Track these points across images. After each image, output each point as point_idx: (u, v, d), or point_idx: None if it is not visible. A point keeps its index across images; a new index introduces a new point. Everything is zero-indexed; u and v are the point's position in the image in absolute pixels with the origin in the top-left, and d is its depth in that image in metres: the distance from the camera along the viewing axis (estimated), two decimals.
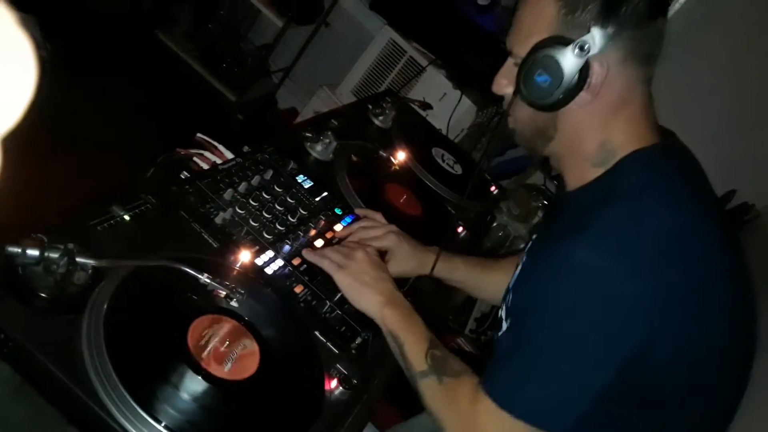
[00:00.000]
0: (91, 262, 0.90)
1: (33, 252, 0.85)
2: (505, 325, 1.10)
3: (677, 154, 1.08)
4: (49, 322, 0.85)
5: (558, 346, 0.93)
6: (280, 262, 1.21)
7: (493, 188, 2.09)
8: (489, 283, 1.48)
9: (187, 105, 3.13)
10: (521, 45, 1.01)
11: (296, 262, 1.24)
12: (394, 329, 1.13)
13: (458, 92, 2.85)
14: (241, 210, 1.25)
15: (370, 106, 1.96)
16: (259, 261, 1.18)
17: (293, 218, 1.33)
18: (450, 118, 2.81)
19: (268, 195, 1.33)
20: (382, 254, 1.33)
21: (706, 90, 2.77)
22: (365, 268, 1.20)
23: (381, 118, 1.93)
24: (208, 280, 0.94)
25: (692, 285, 0.94)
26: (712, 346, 0.99)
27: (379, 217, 1.43)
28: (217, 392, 0.90)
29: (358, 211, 1.46)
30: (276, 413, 0.97)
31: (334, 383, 1.05)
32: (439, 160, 1.99)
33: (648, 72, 1.01)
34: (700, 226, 0.98)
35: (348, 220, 1.44)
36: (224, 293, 0.97)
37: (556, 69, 0.96)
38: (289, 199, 1.37)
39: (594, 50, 0.94)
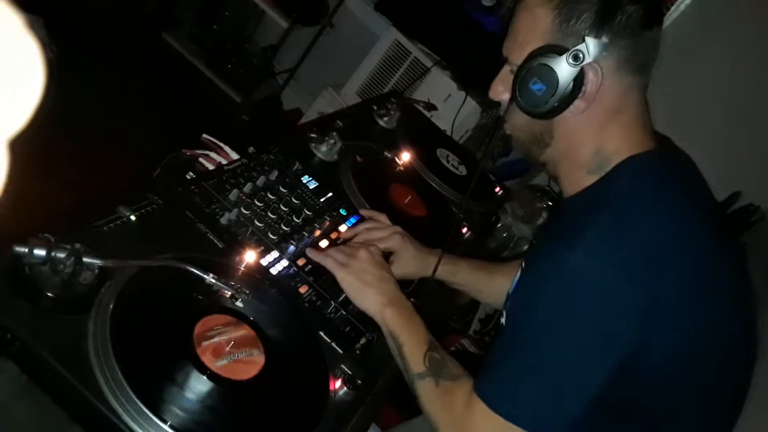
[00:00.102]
0: (97, 262, 0.90)
1: (40, 252, 0.85)
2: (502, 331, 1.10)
3: (673, 159, 1.09)
4: (55, 322, 0.85)
5: (551, 350, 0.93)
6: (285, 263, 1.22)
7: (497, 189, 2.09)
8: (492, 286, 1.48)
9: (192, 106, 3.14)
10: (517, 53, 1.02)
11: (301, 262, 1.24)
12: (394, 330, 1.13)
13: (463, 93, 2.85)
14: (247, 210, 1.25)
15: (375, 107, 1.96)
16: (264, 261, 1.19)
17: (298, 219, 1.34)
18: (455, 119, 2.81)
19: (273, 195, 1.34)
20: (387, 256, 1.33)
21: (710, 92, 2.76)
22: (368, 267, 1.21)
23: (386, 118, 1.94)
24: (214, 281, 0.94)
25: (687, 290, 0.94)
26: (708, 350, 1.00)
27: (383, 218, 1.44)
28: (222, 392, 0.90)
29: (362, 212, 1.47)
30: (281, 413, 0.97)
31: (338, 383, 1.05)
32: (444, 161, 1.99)
33: (643, 80, 1.02)
34: (695, 230, 0.99)
35: (353, 220, 1.45)
36: (229, 293, 0.97)
37: (551, 77, 0.97)
38: (294, 200, 1.37)
39: (588, 59, 0.95)
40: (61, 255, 0.86)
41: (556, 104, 0.99)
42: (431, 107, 2.32)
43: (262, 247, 1.21)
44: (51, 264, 0.87)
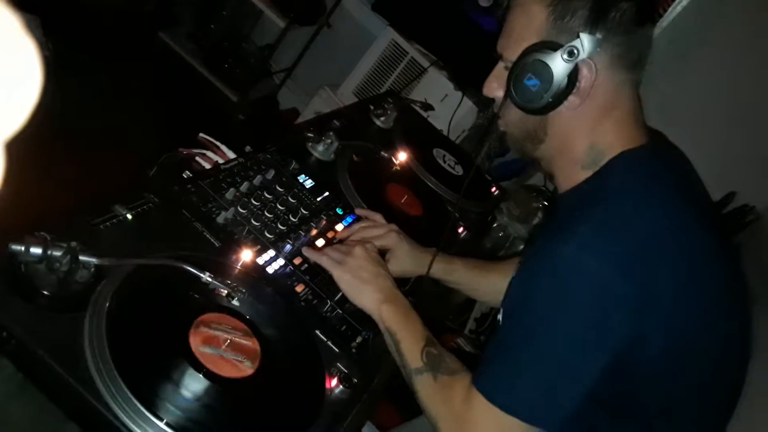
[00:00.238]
0: (93, 260, 0.90)
1: (36, 250, 0.85)
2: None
3: (666, 154, 1.10)
4: (51, 320, 0.86)
5: (546, 343, 0.94)
6: (281, 262, 1.22)
7: (493, 189, 2.10)
8: (487, 284, 1.49)
9: (188, 105, 3.14)
10: (511, 49, 1.03)
11: (297, 261, 1.25)
12: (391, 326, 1.14)
13: (459, 93, 2.85)
14: (243, 209, 1.25)
15: (372, 107, 1.96)
16: (261, 260, 1.19)
17: (294, 218, 1.34)
18: (451, 119, 2.82)
19: (269, 194, 1.34)
20: (382, 254, 1.33)
21: (706, 92, 2.77)
22: (364, 264, 1.21)
23: (382, 118, 1.94)
24: (210, 279, 0.95)
25: (681, 285, 0.95)
26: (703, 348, 1.01)
27: (378, 217, 1.44)
28: (218, 390, 0.91)
29: (358, 211, 1.47)
30: (277, 411, 0.98)
31: (334, 382, 1.06)
32: (440, 161, 1.99)
33: (636, 76, 1.03)
34: (690, 226, 1.00)
35: (349, 220, 1.45)
36: (226, 292, 0.97)
37: (546, 73, 0.98)
38: (290, 199, 1.37)
39: (583, 55, 0.96)
40: (57, 253, 0.86)
41: (550, 100, 0.99)
42: (428, 107, 2.32)
43: (259, 246, 1.21)
44: (47, 262, 0.87)
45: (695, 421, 1.07)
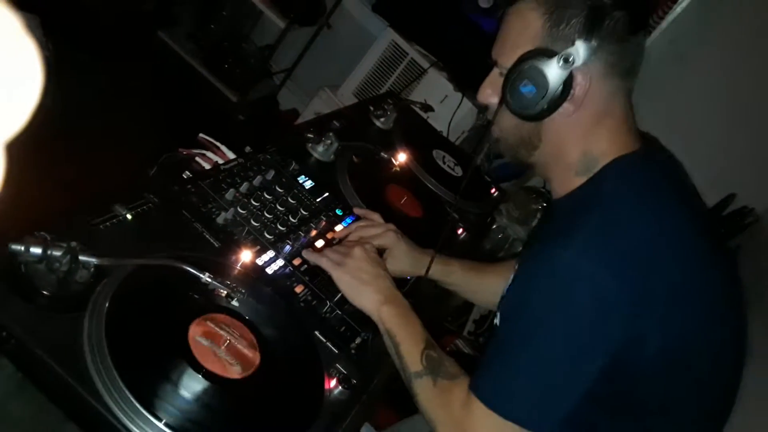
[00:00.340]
0: (93, 260, 0.90)
1: (36, 250, 0.85)
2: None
3: (658, 159, 1.11)
4: (51, 320, 0.86)
5: (545, 346, 0.94)
6: (280, 262, 1.22)
7: (493, 190, 2.10)
8: (483, 286, 1.49)
9: (188, 105, 3.14)
10: (507, 56, 1.04)
11: (297, 262, 1.25)
12: (391, 328, 1.14)
13: (459, 94, 2.85)
14: (243, 210, 1.25)
15: (372, 108, 1.97)
16: (260, 261, 1.19)
17: (294, 218, 1.34)
18: (451, 120, 2.82)
19: (269, 195, 1.34)
20: (380, 253, 1.33)
21: (706, 94, 2.78)
22: (363, 265, 1.21)
23: (382, 119, 1.94)
24: (210, 280, 0.95)
25: (674, 287, 0.96)
26: (698, 350, 1.01)
27: (376, 217, 1.44)
28: (217, 390, 0.91)
29: (356, 210, 1.47)
30: (276, 412, 0.98)
31: (333, 383, 1.06)
32: (440, 162, 2.00)
33: (628, 84, 1.04)
34: (682, 230, 1.01)
35: (349, 220, 1.45)
36: (225, 292, 0.97)
37: (542, 80, 0.98)
38: (290, 200, 1.37)
39: (578, 62, 0.97)
40: (57, 253, 0.87)
41: (545, 106, 1.00)
42: (428, 108, 2.32)
43: (258, 247, 1.21)
44: (47, 262, 0.87)
45: (694, 422, 1.08)
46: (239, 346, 0.99)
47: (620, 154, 1.03)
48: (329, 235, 1.37)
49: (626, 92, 1.05)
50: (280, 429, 0.97)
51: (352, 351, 1.14)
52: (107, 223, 1.02)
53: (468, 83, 2.84)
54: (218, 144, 1.38)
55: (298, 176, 1.47)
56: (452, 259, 1.46)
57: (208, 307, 1.00)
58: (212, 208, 1.21)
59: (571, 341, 0.93)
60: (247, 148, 1.42)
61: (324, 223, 1.39)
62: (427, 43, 2.99)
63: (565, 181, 1.08)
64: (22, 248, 0.85)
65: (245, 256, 1.14)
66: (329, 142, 1.59)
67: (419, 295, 1.34)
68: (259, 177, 1.35)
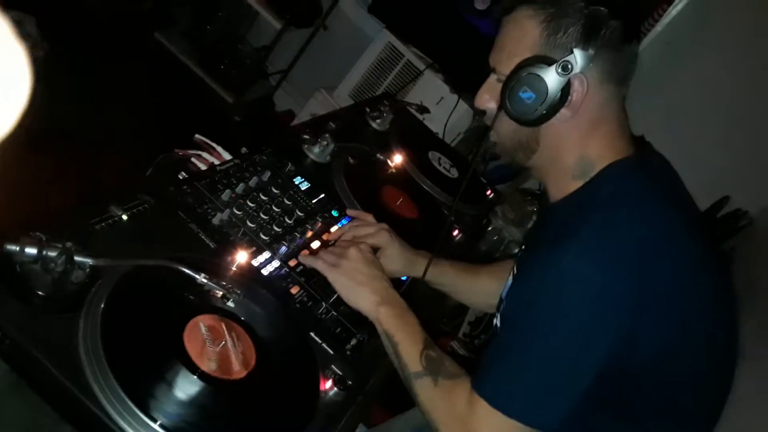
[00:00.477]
0: (88, 261, 0.90)
1: (31, 250, 0.85)
2: (497, 332, 1.13)
3: (653, 163, 1.13)
4: (46, 320, 0.85)
5: (548, 345, 0.96)
6: (276, 263, 1.22)
7: (488, 192, 2.10)
8: (476, 287, 1.51)
9: (184, 106, 3.13)
10: (505, 63, 1.06)
11: (293, 263, 1.25)
12: (389, 329, 1.14)
13: (455, 96, 2.86)
14: (239, 211, 1.25)
15: (368, 109, 1.97)
16: (256, 262, 1.19)
17: (290, 220, 1.34)
18: (447, 122, 2.82)
19: (265, 196, 1.34)
20: (374, 252, 1.33)
21: (700, 97, 2.79)
22: (359, 266, 1.21)
23: (378, 121, 1.94)
24: (205, 280, 0.95)
25: (669, 289, 0.98)
26: (691, 350, 1.03)
27: (369, 217, 1.45)
28: (212, 392, 0.91)
29: (349, 212, 1.48)
30: (271, 413, 0.98)
31: (329, 384, 1.06)
32: (436, 164, 2.00)
33: (623, 91, 1.07)
34: (677, 232, 1.03)
35: (344, 222, 1.45)
36: (221, 293, 0.97)
37: (541, 86, 1.01)
38: (286, 201, 1.37)
39: (576, 70, 1.00)
40: (53, 254, 0.86)
41: (544, 112, 1.03)
42: (424, 110, 2.32)
43: (254, 248, 1.21)
44: (42, 262, 0.87)
45: (689, 423, 1.09)
46: (234, 347, 0.99)
47: (616, 159, 1.06)
48: (325, 237, 1.37)
49: (621, 99, 1.08)
50: (276, 430, 0.97)
51: (348, 352, 1.14)
52: (103, 224, 1.02)
53: (464, 85, 2.85)
54: (214, 145, 1.38)
55: (294, 177, 1.47)
56: (443, 260, 1.47)
57: (203, 308, 1.00)
58: (208, 208, 1.21)
59: (573, 340, 0.95)
60: (243, 149, 1.42)
61: (320, 224, 1.39)
62: (423, 44, 2.99)
63: (563, 184, 1.10)
64: (18, 248, 0.85)
65: (241, 257, 1.14)
66: (325, 143, 1.59)
67: (415, 297, 1.34)
68: (255, 178, 1.35)
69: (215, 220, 1.19)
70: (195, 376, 0.90)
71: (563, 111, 1.03)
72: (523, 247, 1.27)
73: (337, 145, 1.62)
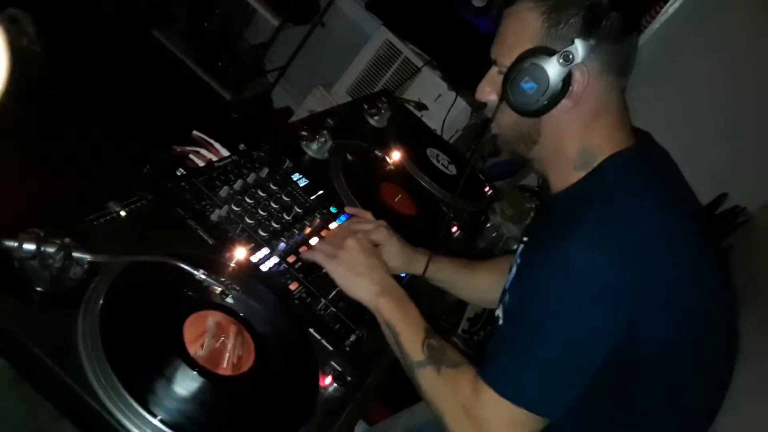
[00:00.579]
0: (87, 257, 0.90)
1: (29, 246, 0.85)
2: (501, 323, 1.13)
3: (653, 155, 1.14)
4: (45, 316, 0.85)
5: (554, 334, 0.97)
6: (275, 260, 1.22)
7: (486, 189, 2.10)
8: (474, 282, 1.51)
9: (182, 103, 3.13)
10: (506, 55, 1.07)
11: (291, 259, 1.25)
12: (390, 319, 1.14)
13: (453, 93, 2.86)
14: (237, 207, 1.25)
15: (366, 106, 1.97)
16: (255, 258, 1.19)
17: (288, 216, 1.34)
18: (445, 118, 2.82)
19: (263, 193, 1.34)
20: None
21: (698, 93, 2.79)
22: (357, 257, 1.22)
23: (376, 117, 1.94)
24: (204, 276, 0.94)
25: (669, 280, 0.99)
26: (691, 340, 1.04)
27: (368, 215, 1.45)
28: (211, 387, 0.91)
29: (347, 209, 1.48)
30: (270, 409, 0.98)
31: (328, 380, 1.06)
32: (434, 161, 2.00)
33: (622, 82, 1.08)
34: (679, 223, 1.04)
35: (343, 218, 1.45)
36: (219, 290, 0.97)
37: (542, 76, 1.02)
38: (284, 197, 1.37)
39: (577, 60, 1.01)
40: (51, 250, 0.86)
41: (545, 102, 1.04)
42: (422, 107, 2.32)
43: (253, 244, 1.21)
44: (40, 259, 0.87)
45: (690, 415, 1.10)
46: (233, 343, 0.99)
47: (617, 150, 1.07)
48: (323, 233, 1.37)
49: (621, 90, 1.09)
50: (275, 426, 0.97)
51: (347, 348, 1.14)
52: (101, 220, 1.02)
53: (462, 82, 2.85)
54: (212, 141, 1.38)
55: (292, 174, 1.47)
56: (441, 257, 1.47)
57: (202, 304, 1.00)
58: (206, 205, 1.21)
59: (579, 328, 0.96)
60: (241, 146, 1.42)
61: (318, 220, 1.39)
62: (420, 41, 2.99)
63: (564, 175, 1.10)
64: (16, 244, 0.84)
65: (239, 253, 1.14)
66: (323, 140, 1.59)
67: (414, 294, 1.34)
68: (253, 174, 1.35)
69: (213, 217, 1.19)
70: (194, 372, 0.90)
71: (564, 101, 1.04)
72: (525, 239, 1.27)
73: (335, 142, 1.61)
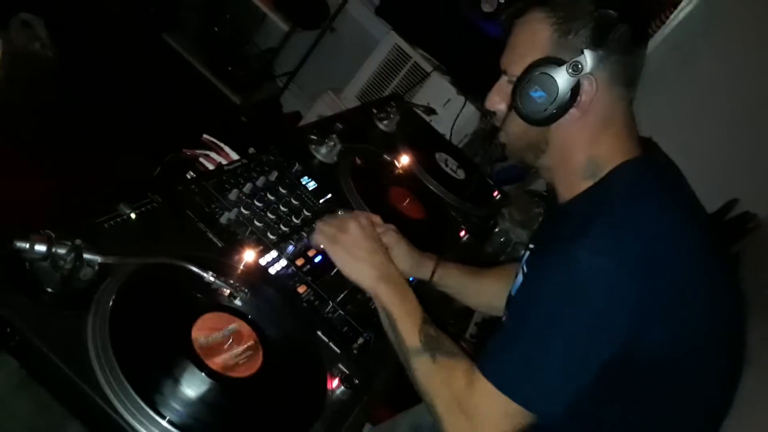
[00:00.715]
0: (97, 258, 0.91)
1: (41, 247, 0.86)
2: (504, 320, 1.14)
3: (660, 165, 1.15)
4: (55, 317, 0.86)
5: (557, 335, 0.97)
6: (283, 263, 1.22)
7: (495, 194, 2.10)
8: (480, 289, 1.51)
9: (192, 107, 3.14)
10: (516, 65, 1.08)
11: (300, 262, 1.25)
12: (387, 304, 1.14)
13: (462, 98, 2.86)
14: (246, 210, 1.26)
15: (375, 110, 1.97)
16: (263, 261, 1.19)
17: (297, 219, 1.34)
18: (454, 123, 2.82)
19: (272, 196, 1.34)
20: None
21: (709, 99, 2.78)
22: (359, 240, 1.21)
23: (385, 122, 1.95)
24: (213, 279, 0.95)
25: (676, 288, 0.99)
26: (697, 349, 1.03)
27: (377, 219, 1.45)
28: (220, 389, 0.91)
29: (357, 214, 1.47)
30: (278, 411, 0.98)
31: (335, 382, 1.06)
32: (443, 165, 2.00)
33: (630, 93, 1.09)
34: (685, 232, 1.04)
35: None
36: (228, 292, 0.98)
37: (551, 85, 1.03)
38: (293, 201, 1.38)
39: (586, 70, 1.02)
40: (62, 251, 0.87)
41: (554, 111, 1.05)
42: (431, 111, 2.33)
43: (261, 247, 1.21)
44: (51, 260, 0.87)
45: (695, 421, 1.09)
46: (242, 346, 0.99)
47: (625, 159, 1.07)
48: None
49: (628, 100, 1.09)
50: (283, 428, 0.97)
51: (354, 351, 1.14)
52: (111, 222, 1.03)
53: (471, 87, 2.85)
54: (222, 145, 1.39)
55: (301, 177, 1.47)
56: (448, 263, 1.47)
57: (211, 306, 1.01)
58: (216, 208, 1.21)
59: (582, 331, 0.96)
60: (251, 149, 1.43)
61: None
62: (430, 46, 3.00)
63: (572, 184, 1.11)
64: (27, 246, 0.85)
65: (248, 256, 1.14)
66: (332, 143, 1.59)
67: (421, 299, 1.34)
68: (262, 178, 1.36)
69: (223, 219, 1.20)
70: (203, 374, 0.90)
71: (573, 111, 1.05)
72: (532, 246, 1.27)
73: (344, 146, 1.62)
